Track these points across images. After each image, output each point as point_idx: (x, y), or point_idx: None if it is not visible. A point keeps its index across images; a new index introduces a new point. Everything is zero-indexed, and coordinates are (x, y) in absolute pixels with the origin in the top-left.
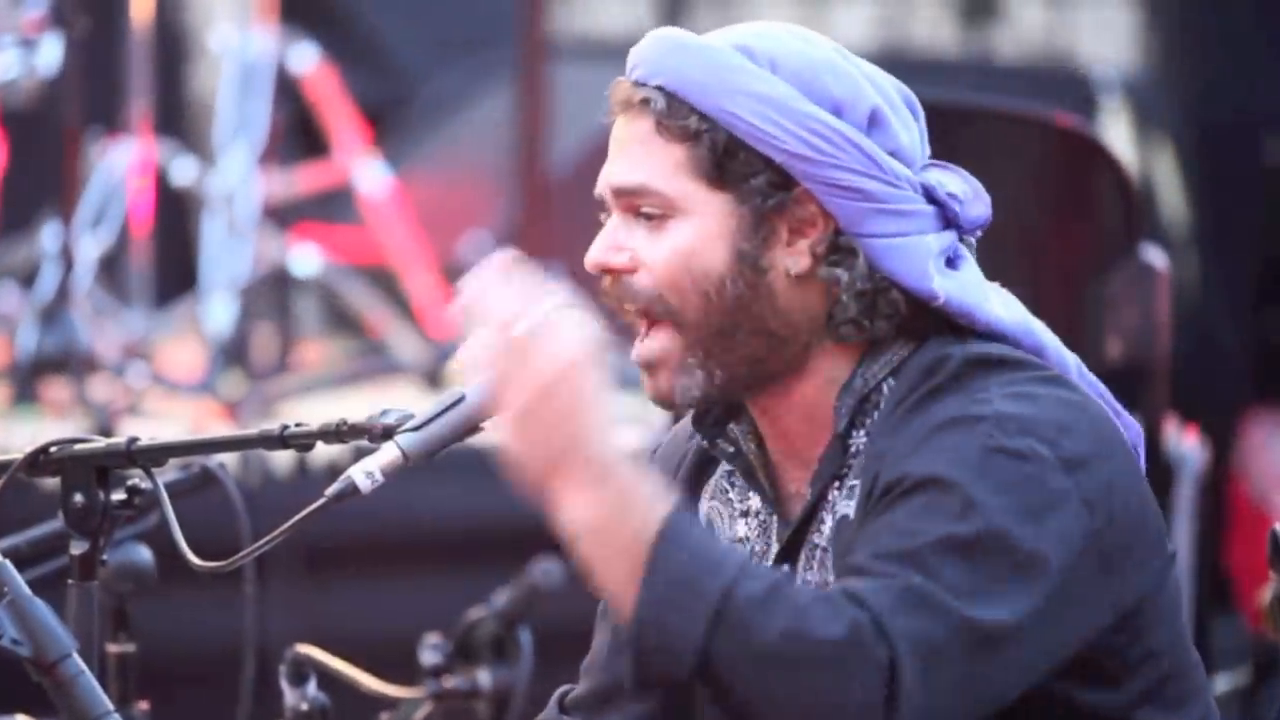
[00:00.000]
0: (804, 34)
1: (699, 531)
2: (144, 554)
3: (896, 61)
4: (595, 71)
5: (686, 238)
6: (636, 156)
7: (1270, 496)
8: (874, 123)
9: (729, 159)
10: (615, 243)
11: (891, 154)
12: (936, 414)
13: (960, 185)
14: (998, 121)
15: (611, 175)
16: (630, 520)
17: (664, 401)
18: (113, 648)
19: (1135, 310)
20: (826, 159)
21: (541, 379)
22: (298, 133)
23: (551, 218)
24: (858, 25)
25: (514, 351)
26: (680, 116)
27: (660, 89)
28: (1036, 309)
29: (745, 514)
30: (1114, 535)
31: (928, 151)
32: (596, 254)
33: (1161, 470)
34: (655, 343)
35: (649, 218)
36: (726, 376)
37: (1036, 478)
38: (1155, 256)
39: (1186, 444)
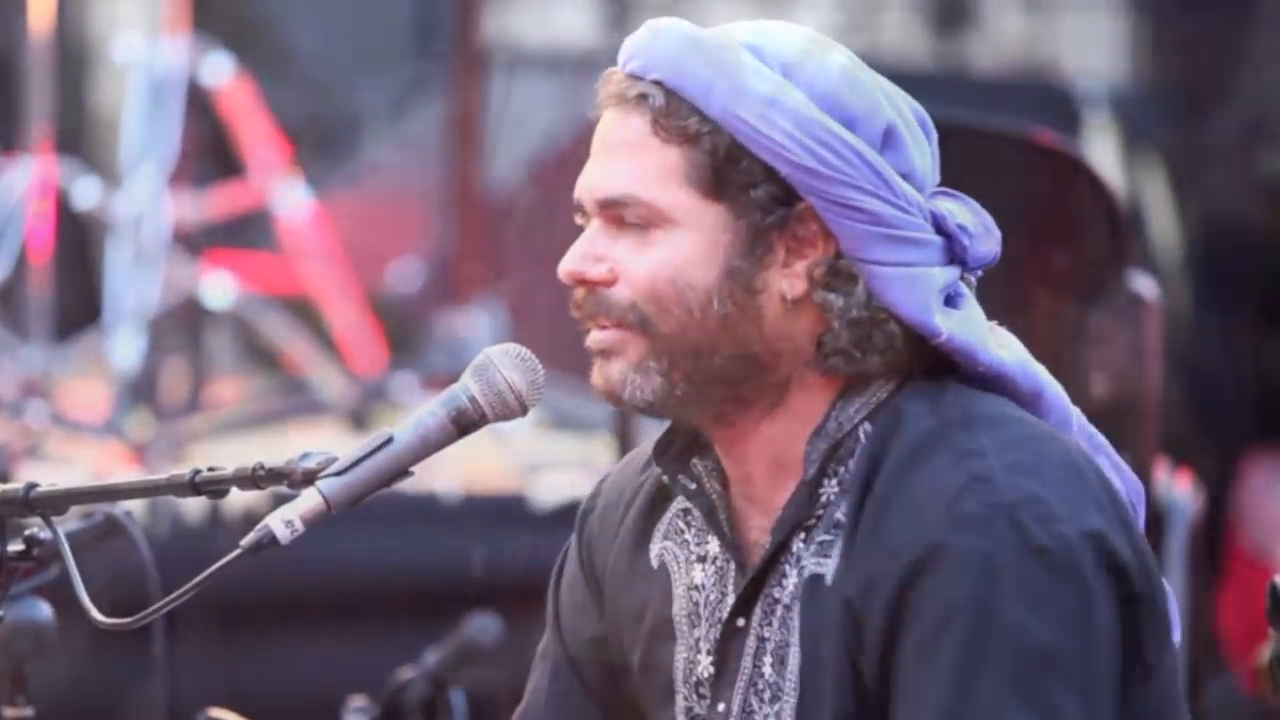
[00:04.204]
0: (816, 38)
1: None
2: (43, 610)
3: None
4: (535, 83)
5: (676, 250)
6: (623, 160)
7: (1270, 546)
8: (889, 141)
9: (729, 166)
10: (594, 252)
11: (904, 176)
12: (935, 489)
13: (971, 218)
14: (972, 139)
15: (594, 183)
16: None
17: (611, 394)
18: (9, 712)
19: (1123, 344)
20: (836, 175)
21: None
22: (211, 152)
23: (489, 243)
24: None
25: None
26: (680, 116)
27: (659, 84)
28: None
29: (702, 559)
30: (1138, 604)
31: (938, 178)
32: (572, 264)
33: (1151, 518)
34: (616, 334)
35: (634, 226)
36: (691, 393)
37: (1066, 573)
38: (1145, 285)
39: (1178, 490)
